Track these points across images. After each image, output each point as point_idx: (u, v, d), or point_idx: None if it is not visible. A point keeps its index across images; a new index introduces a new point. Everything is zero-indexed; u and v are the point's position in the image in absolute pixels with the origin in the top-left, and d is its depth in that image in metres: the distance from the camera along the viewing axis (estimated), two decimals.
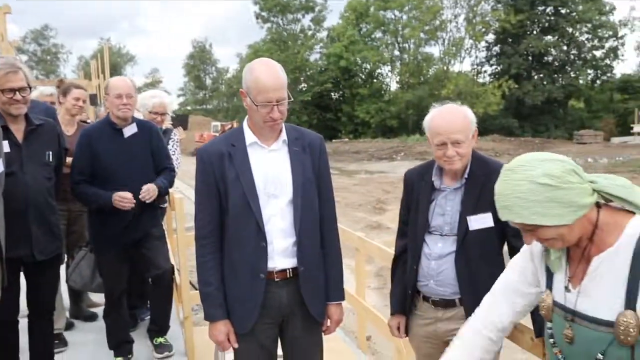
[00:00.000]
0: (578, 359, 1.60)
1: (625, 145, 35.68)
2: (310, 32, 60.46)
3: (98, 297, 4.82)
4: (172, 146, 5.06)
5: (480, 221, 2.42)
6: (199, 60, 74.65)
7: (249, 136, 2.46)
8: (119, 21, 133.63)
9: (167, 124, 5.24)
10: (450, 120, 2.40)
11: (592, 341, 1.53)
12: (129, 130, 3.80)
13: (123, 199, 3.65)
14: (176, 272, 4.44)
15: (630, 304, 1.46)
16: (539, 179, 1.51)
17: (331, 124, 55.67)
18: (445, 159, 2.42)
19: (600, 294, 1.53)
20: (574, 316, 1.59)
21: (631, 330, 1.44)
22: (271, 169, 2.44)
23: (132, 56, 79.19)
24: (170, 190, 4.40)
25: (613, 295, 1.50)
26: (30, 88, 3.25)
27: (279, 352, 2.69)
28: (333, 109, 57.23)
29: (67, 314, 4.77)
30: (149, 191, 3.77)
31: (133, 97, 3.79)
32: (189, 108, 73.02)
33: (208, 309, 2.47)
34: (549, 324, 1.72)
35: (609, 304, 1.50)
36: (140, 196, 3.72)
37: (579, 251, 1.62)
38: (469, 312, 2.50)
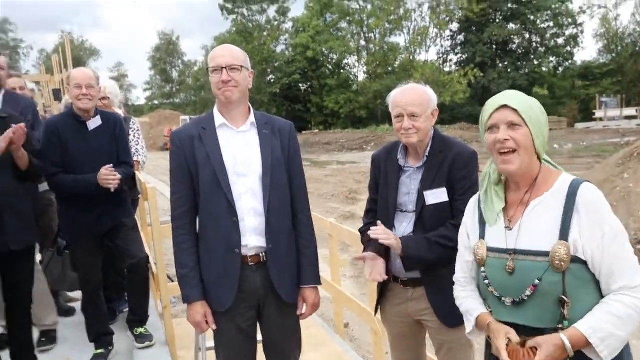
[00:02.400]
0: (513, 289, 1.84)
1: (588, 131, 36.54)
2: (275, 23, 60.15)
3: (75, 292, 4.79)
4: (134, 135, 5.01)
5: (436, 196, 2.52)
6: (166, 53, 73.45)
7: (219, 118, 2.56)
8: (80, 14, 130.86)
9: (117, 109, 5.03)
10: (409, 95, 2.53)
11: (530, 271, 1.80)
12: (93, 123, 3.75)
13: (108, 175, 3.61)
14: (152, 263, 4.45)
15: (563, 236, 1.77)
16: (542, 108, 1.90)
17: (301, 115, 55.53)
18: (403, 131, 2.52)
19: (538, 228, 1.83)
20: (515, 254, 1.85)
21: (564, 256, 1.74)
22: (240, 149, 2.53)
23: (96, 50, 77.81)
24: (143, 180, 4.40)
25: (549, 230, 1.80)
26: None
27: (259, 337, 2.74)
28: (302, 100, 57.15)
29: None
30: (113, 174, 3.66)
31: (94, 88, 3.71)
32: (156, 102, 71.94)
33: (185, 290, 2.53)
34: (482, 269, 1.95)
35: (546, 237, 1.80)
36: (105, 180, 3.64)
37: (518, 196, 1.93)
38: (429, 288, 2.58)
